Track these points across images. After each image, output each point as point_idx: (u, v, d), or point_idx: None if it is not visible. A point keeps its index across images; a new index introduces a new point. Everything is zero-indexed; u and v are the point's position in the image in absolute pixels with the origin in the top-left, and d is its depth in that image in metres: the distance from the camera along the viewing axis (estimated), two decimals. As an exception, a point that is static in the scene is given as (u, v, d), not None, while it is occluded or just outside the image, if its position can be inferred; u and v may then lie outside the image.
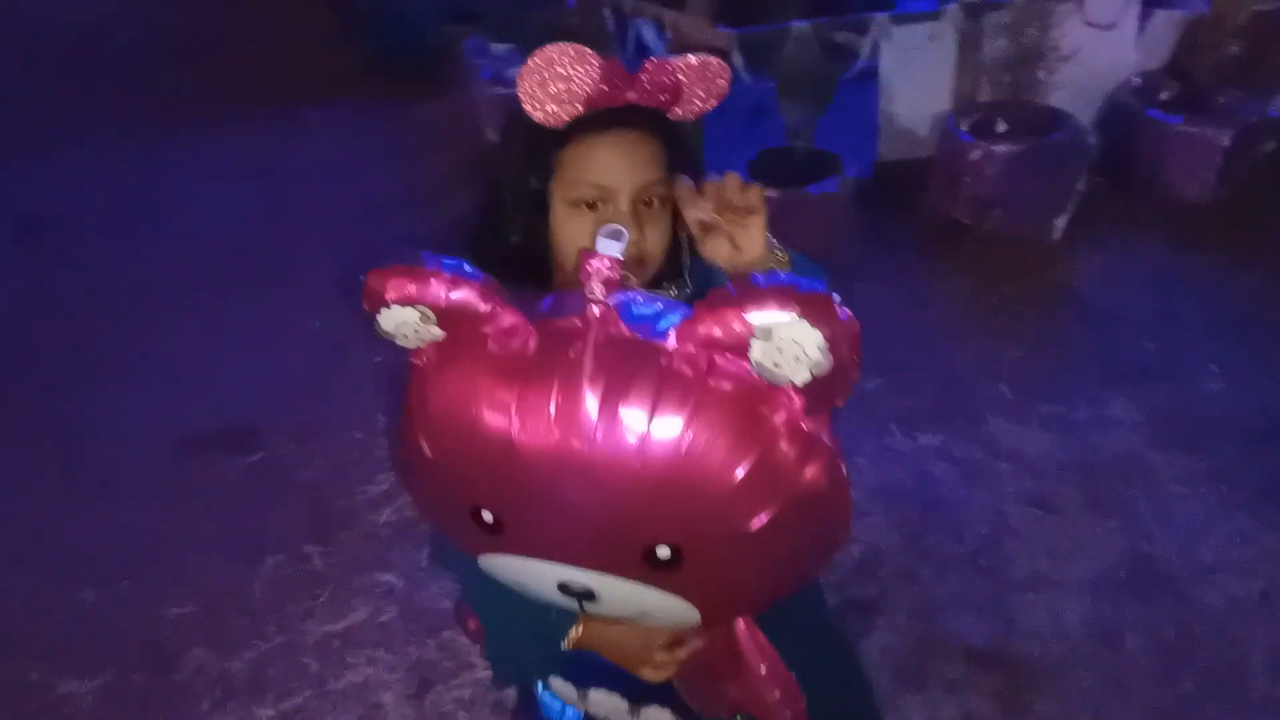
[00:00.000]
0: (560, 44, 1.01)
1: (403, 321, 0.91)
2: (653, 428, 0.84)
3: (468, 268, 0.90)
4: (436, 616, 2.43)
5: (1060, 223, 3.62)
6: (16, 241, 4.36)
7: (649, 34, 3.84)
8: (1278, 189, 3.70)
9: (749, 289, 0.82)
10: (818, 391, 0.85)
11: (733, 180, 1.07)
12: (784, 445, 0.86)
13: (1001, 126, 3.68)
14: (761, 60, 3.63)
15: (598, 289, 0.88)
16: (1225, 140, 3.56)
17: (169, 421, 3.15)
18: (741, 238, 1.08)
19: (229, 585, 2.58)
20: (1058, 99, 3.70)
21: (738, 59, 3.61)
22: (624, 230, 0.91)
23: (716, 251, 1.09)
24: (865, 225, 3.68)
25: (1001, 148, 3.53)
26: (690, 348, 0.85)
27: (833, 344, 0.81)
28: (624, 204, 1.09)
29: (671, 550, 0.90)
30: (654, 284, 1.18)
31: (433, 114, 5.03)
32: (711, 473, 0.85)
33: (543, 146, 1.09)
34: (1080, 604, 2.31)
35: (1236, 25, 3.58)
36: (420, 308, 0.89)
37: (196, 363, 3.44)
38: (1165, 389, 2.93)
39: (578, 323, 0.88)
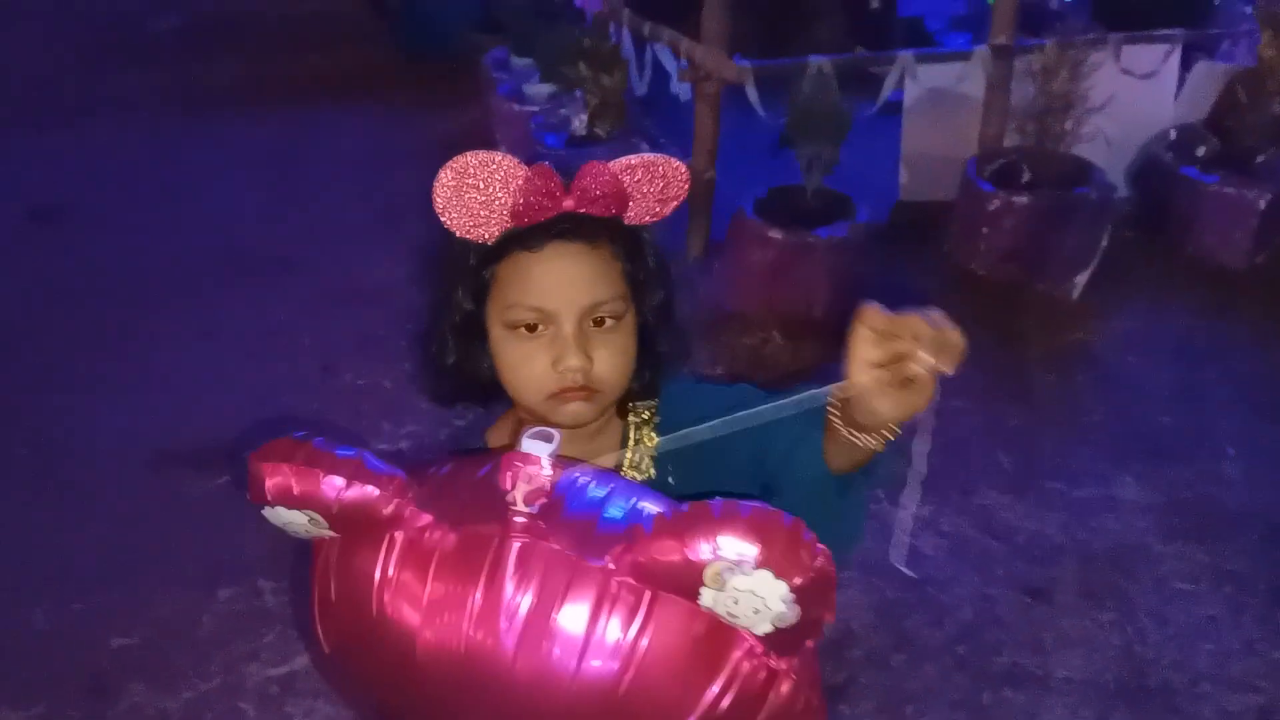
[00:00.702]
0: (476, 152, 0.91)
1: (289, 522, 0.81)
2: (588, 654, 0.71)
3: (369, 460, 0.80)
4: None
5: (1081, 280, 3.45)
6: (24, 229, 4.35)
7: (666, 59, 3.73)
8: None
9: (701, 519, 0.68)
10: (781, 637, 0.71)
11: (938, 319, 0.77)
12: (743, 686, 0.73)
13: (1026, 176, 3.52)
14: (779, 94, 3.50)
15: (520, 498, 0.76)
16: (1262, 203, 3.38)
17: (144, 435, 3.09)
18: (910, 397, 0.77)
19: (178, 616, 2.49)
20: (1088, 150, 3.53)
21: (753, 93, 3.49)
22: (554, 433, 0.81)
23: (878, 403, 0.77)
24: (879, 268, 3.54)
25: (1022, 199, 3.37)
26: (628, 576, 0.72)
27: (799, 595, 0.67)
28: (567, 327, 0.95)
29: None
30: (621, 406, 1.06)
31: (454, 122, 4.98)
32: (657, 714, 0.72)
33: (475, 263, 0.98)
34: (1062, 707, 2.15)
35: (1278, 83, 3.39)
36: (308, 511, 0.78)
37: (181, 373, 3.38)
38: (1179, 471, 2.76)
39: (497, 530, 0.77)
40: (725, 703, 0.73)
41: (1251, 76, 3.49)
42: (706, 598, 0.69)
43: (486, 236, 0.95)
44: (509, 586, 0.74)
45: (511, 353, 0.98)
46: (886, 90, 3.62)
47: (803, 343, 3.26)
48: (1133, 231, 3.64)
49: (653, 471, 1.06)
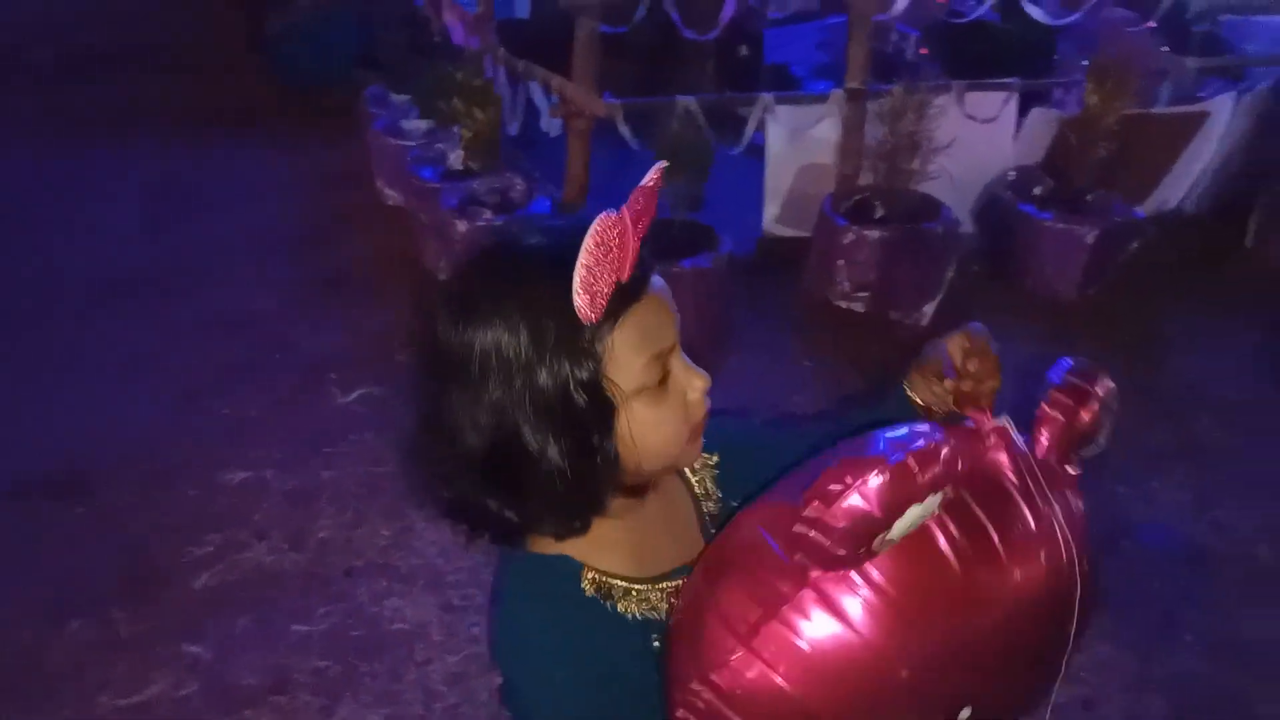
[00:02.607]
0: (607, 216, 0.81)
1: (910, 523, 0.80)
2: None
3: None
4: (241, 694, 2.31)
5: (929, 309, 3.67)
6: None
7: (539, 96, 3.84)
8: (1141, 287, 3.80)
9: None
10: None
11: (982, 336, 0.99)
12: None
13: (879, 212, 3.73)
14: (651, 132, 3.64)
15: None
16: (1091, 238, 3.65)
17: (1, 460, 3.01)
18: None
19: (28, 646, 2.43)
20: (936, 188, 3.76)
21: (624, 128, 3.62)
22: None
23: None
24: (747, 299, 3.69)
25: (874, 233, 3.57)
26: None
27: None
28: (677, 358, 0.90)
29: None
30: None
31: (331, 155, 4.99)
32: None
33: (589, 342, 0.83)
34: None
35: (1106, 127, 3.69)
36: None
37: (45, 397, 3.31)
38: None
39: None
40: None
41: (1080, 122, 3.78)
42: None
43: (600, 306, 0.82)
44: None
45: (651, 414, 0.88)
46: (750, 129, 3.79)
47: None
48: (977, 264, 3.89)
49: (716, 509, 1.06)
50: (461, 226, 3.68)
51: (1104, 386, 0.92)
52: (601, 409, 0.84)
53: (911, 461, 0.76)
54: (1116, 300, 3.75)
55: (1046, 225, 3.71)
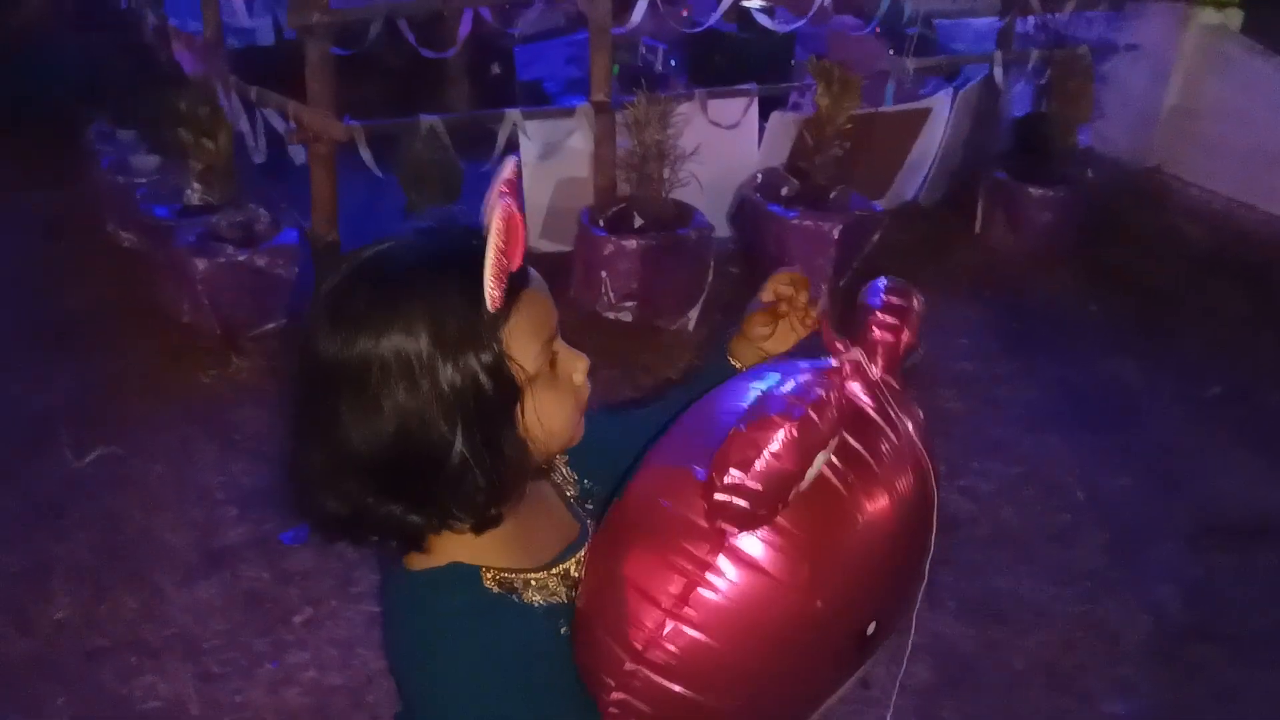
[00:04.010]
0: (498, 203, 0.85)
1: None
2: None
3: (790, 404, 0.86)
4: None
5: (694, 313, 3.75)
6: None
7: (277, 122, 3.66)
8: (882, 274, 4.02)
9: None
10: None
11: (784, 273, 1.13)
12: None
13: (637, 221, 3.78)
14: (391, 153, 3.54)
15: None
16: (836, 232, 3.84)
17: None
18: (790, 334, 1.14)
19: None
20: (691, 194, 3.85)
21: (365, 153, 3.50)
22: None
23: (771, 346, 1.14)
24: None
25: (632, 242, 3.62)
26: None
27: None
28: (559, 340, 0.94)
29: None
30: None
31: (54, 198, 4.58)
32: None
33: (488, 332, 0.85)
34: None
35: (838, 127, 3.89)
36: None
37: None
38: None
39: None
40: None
41: (815, 123, 3.97)
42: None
43: (503, 295, 0.85)
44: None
45: (550, 395, 0.91)
46: (500, 145, 3.76)
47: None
48: (735, 266, 4.01)
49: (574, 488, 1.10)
50: (201, 265, 3.45)
51: (918, 300, 1.02)
52: (508, 394, 0.87)
53: (812, 413, 0.82)
54: (862, 289, 3.95)
55: (794, 223, 3.86)
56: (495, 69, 5.11)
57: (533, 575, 0.97)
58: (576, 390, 0.94)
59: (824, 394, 0.84)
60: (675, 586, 0.83)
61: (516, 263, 0.86)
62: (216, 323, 3.51)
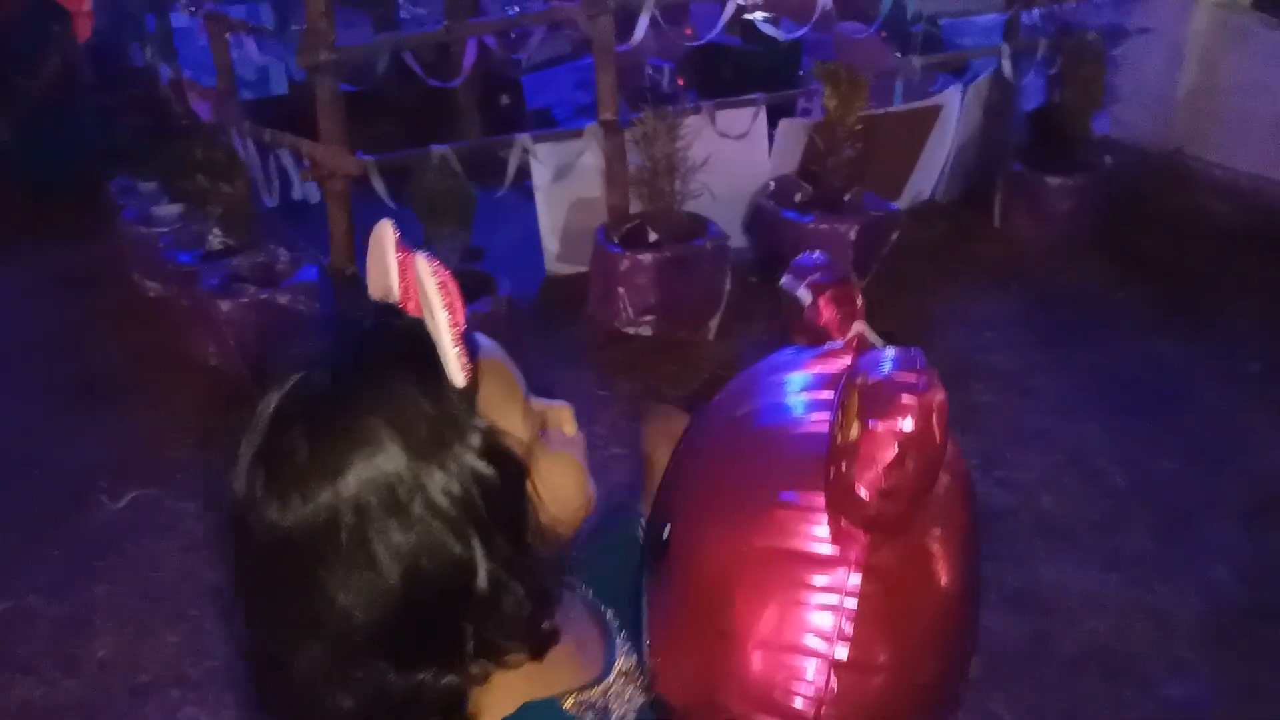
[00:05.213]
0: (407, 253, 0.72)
1: None
2: None
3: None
4: None
5: (714, 323, 3.73)
6: None
7: (289, 162, 3.71)
8: (905, 274, 3.99)
9: None
10: None
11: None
12: None
13: (652, 236, 3.78)
14: (404, 185, 3.57)
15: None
16: (853, 234, 3.81)
17: None
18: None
19: None
20: (705, 207, 3.85)
21: (379, 185, 3.53)
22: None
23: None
24: (537, 340, 3.66)
25: (647, 256, 3.61)
26: None
27: None
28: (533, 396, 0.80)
29: None
30: None
31: (78, 255, 4.65)
32: None
33: (465, 412, 0.70)
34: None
35: (848, 129, 3.87)
36: None
37: None
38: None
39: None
40: None
41: (824, 127, 3.96)
42: None
43: (467, 363, 0.70)
44: None
45: (553, 462, 0.77)
46: (511, 171, 3.78)
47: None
48: (753, 274, 3.99)
49: None
50: (225, 306, 3.48)
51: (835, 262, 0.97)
52: (515, 475, 0.71)
53: (923, 381, 0.71)
54: (884, 289, 3.91)
55: (810, 227, 3.84)
56: (505, 99, 5.15)
57: (610, 682, 0.83)
58: (573, 444, 0.81)
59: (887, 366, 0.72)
60: (826, 622, 0.72)
61: (462, 320, 0.70)
62: (243, 363, 3.54)
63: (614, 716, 0.80)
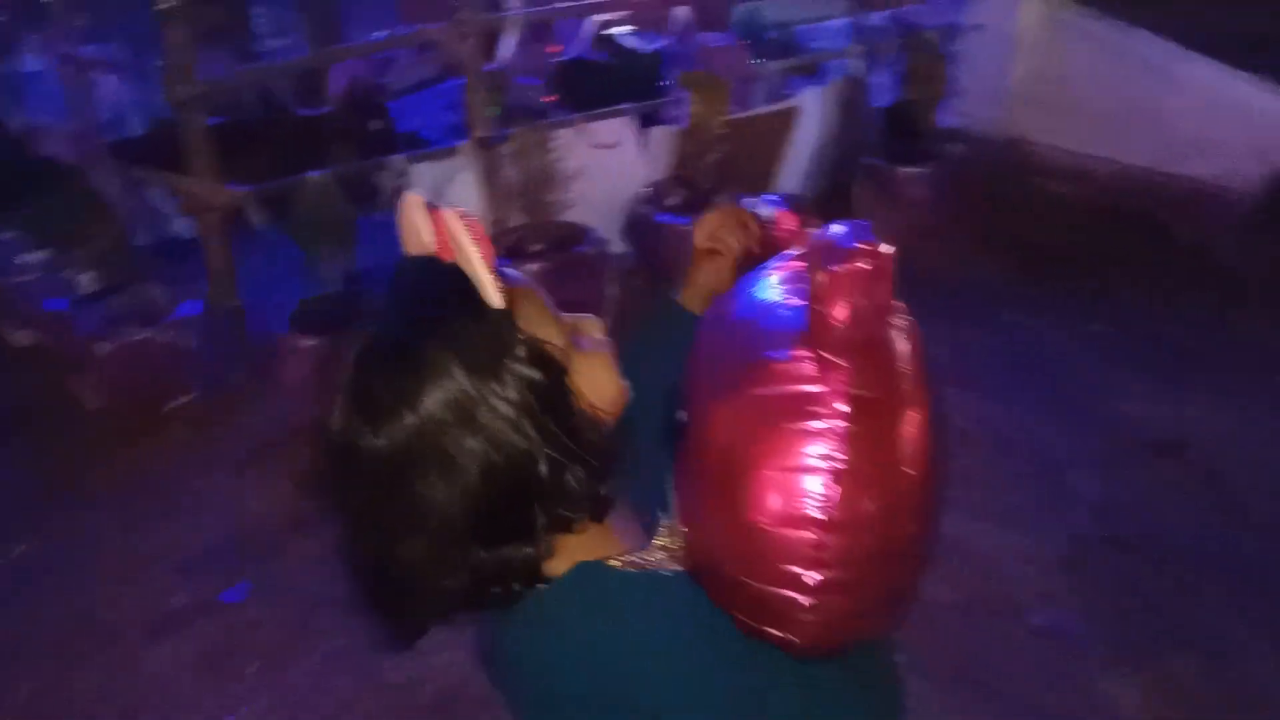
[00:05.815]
0: (449, 212, 0.86)
1: None
2: None
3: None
4: None
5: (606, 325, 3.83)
6: None
7: (160, 199, 3.68)
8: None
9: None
10: None
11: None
12: None
13: (535, 246, 3.87)
14: (283, 214, 3.58)
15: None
16: (726, 233, 3.97)
17: None
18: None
19: None
20: (585, 216, 3.96)
21: (254, 215, 3.54)
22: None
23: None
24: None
25: (532, 266, 3.70)
26: None
27: None
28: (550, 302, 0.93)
29: None
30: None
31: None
32: None
33: (511, 332, 0.85)
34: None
35: (713, 133, 4.05)
36: None
37: None
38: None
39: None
40: None
41: (691, 132, 4.13)
42: None
43: (501, 288, 0.86)
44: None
45: (589, 362, 0.90)
46: (387, 191, 3.83)
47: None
48: (637, 278, 4.12)
49: None
50: (105, 348, 3.43)
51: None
52: (558, 375, 0.86)
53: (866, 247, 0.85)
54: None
55: (684, 229, 3.99)
56: (375, 124, 5.17)
57: (649, 551, 0.95)
58: (602, 345, 0.94)
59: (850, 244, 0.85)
60: (827, 445, 0.82)
61: (492, 255, 0.86)
62: (129, 403, 3.49)
63: (656, 570, 0.92)
